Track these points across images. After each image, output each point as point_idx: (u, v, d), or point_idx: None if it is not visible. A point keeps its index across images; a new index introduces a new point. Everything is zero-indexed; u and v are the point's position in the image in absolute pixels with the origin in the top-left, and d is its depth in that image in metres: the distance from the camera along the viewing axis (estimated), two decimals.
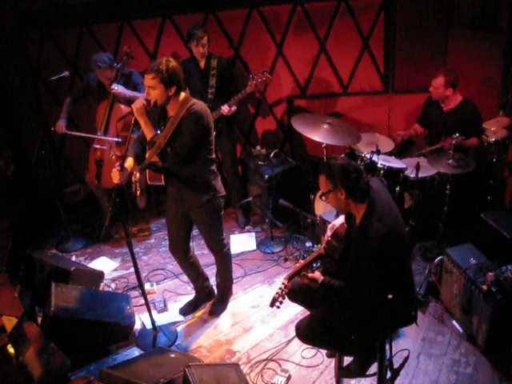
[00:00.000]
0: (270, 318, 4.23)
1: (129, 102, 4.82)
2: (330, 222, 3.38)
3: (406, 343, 3.74)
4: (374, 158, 4.45)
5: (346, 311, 2.98)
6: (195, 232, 4.12)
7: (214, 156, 3.66)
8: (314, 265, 3.18)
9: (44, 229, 5.55)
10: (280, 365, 3.73)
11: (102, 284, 4.62)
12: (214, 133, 3.65)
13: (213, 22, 5.53)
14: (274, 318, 4.22)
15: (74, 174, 6.19)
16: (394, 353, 3.00)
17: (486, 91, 5.08)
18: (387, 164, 4.47)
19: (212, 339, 4.06)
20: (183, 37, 5.41)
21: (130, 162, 3.54)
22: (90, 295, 4.01)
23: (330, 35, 5.64)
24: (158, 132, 3.45)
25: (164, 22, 5.54)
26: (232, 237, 5.31)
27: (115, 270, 4.98)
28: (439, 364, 3.62)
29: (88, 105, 5.33)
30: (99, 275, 4.59)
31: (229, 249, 4.17)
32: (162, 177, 3.63)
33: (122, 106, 4.94)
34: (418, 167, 4.36)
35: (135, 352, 3.93)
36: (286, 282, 3.06)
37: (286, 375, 3.58)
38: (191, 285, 4.46)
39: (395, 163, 4.57)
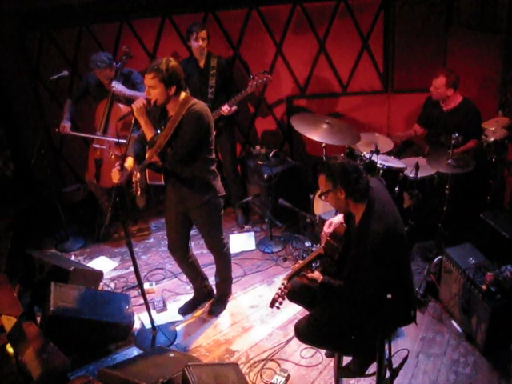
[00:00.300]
0: (270, 317, 4.23)
1: (128, 101, 4.83)
2: None
3: (405, 343, 3.74)
4: (374, 157, 4.45)
5: (345, 311, 2.98)
6: (194, 231, 4.12)
7: (214, 156, 3.66)
8: (314, 265, 3.17)
9: (43, 228, 5.54)
10: (279, 364, 3.73)
11: (101, 284, 4.62)
12: (214, 132, 3.65)
13: (212, 21, 5.52)
14: (274, 317, 4.22)
15: (74, 173, 6.18)
16: (393, 352, 2.99)
17: (485, 91, 5.08)
18: (386, 164, 4.48)
19: (211, 339, 4.06)
20: (183, 36, 5.40)
21: (129, 161, 3.55)
22: (90, 295, 4.01)
23: (329, 35, 5.63)
24: (158, 132, 3.45)
25: (163, 21, 5.53)
26: (231, 236, 5.31)
27: (114, 269, 4.98)
28: (438, 364, 3.62)
29: (88, 105, 5.32)
30: (98, 275, 4.59)
31: (228, 248, 4.17)
32: (162, 177, 3.63)
33: (122, 106, 4.94)
34: (417, 167, 4.37)
35: (134, 352, 3.92)
36: (285, 283, 3.06)
37: (285, 375, 3.58)
38: (190, 284, 4.47)
39: (394, 163, 4.58)
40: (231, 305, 4.41)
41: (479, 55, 5.01)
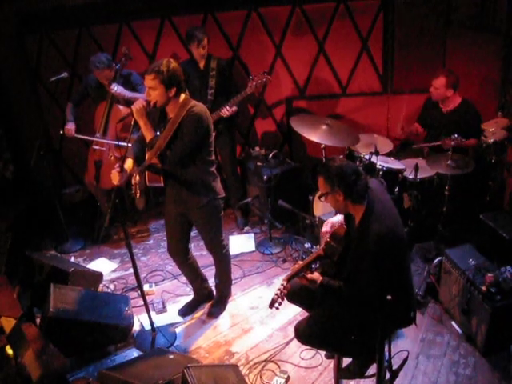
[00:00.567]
0: (269, 319, 4.23)
1: (128, 102, 4.82)
2: None
3: (405, 344, 3.74)
4: (373, 158, 4.45)
5: (345, 312, 2.98)
6: (194, 233, 4.12)
7: (213, 157, 3.66)
8: (313, 266, 3.17)
9: (43, 230, 5.54)
10: (279, 366, 3.73)
11: (100, 285, 4.62)
12: (214, 134, 3.65)
13: (212, 23, 5.53)
14: (273, 319, 4.22)
15: (73, 175, 6.19)
16: (393, 354, 2.99)
17: (484, 92, 5.08)
18: (386, 165, 4.48)
19: (211, 340, 4.06)
20: (182, 38, 5.41)
21: (129, 163, 3.54)
22: (89, 296, 4.01)
23: (328, 36, 5.64)
24: (158, 133, 3.45)
25: (163, 23, 5.54)
26: (231, 238, 5.31)
27: (114, 271, 4.98)
28: (438, 365, 3.62)
29: (87, 106, 5.32)
30: (98, 276, 4.59)
31: (228, 250, 4.17)
32: (162, 178, 3.63)
33: (121, 107, 4.94)
34: (416, 168, 4.37)
35: (134, 353, 3.92)
36: (284, 283, 3.06)
37: (285, 376, 3.58)
38: (190, 286, 4.46)
39: (394, 164, 4.58)
40: (231, 306, 4.40)
41: (479, 56, 5.01)
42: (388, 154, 4.80)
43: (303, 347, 3.73)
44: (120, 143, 3.74)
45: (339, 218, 3.22)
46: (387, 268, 2.74)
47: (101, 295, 4.29)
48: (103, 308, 3.92)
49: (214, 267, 4.27)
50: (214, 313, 4.30)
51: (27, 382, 3.16)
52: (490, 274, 3.58)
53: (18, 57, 5.45)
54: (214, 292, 4.41)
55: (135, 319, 4.11)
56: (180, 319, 4.28)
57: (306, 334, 3.10)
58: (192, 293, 4.43)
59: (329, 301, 3.08)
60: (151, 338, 3.95)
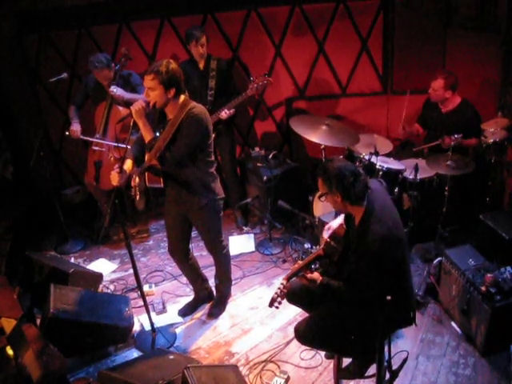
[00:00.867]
0: (269, 319, 4.23)
1: (127, 103, 4.82)
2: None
3: (405, 344, 3.74)
4: (373, 159, 4.45)
5: (344, 312, 2.98)
6: (194, 233, 4.12)
7: (213, 158, 3.67)
8: (313, 266, 3.17)
9: (43, 230, 5.55)
10: (279, 366, 3.73)
11: (100, 286, 4.62)
12: (213, 134, 3.65)
13: (211, 23, 5.53)
14: (273, 319, 4.22)
15: (73, 175, 6.19)
16: (392, 354, 3.00)
17: (484, 92, 5.09)
18: (386, 165, 4.48)
19: (211, 341, 4.06)
20: (182, 39, 5.40)
21: (128, 164, 3.54)
22: (89, 297, 4.01)
23: (328, 36, 5.64)
24: (157, 134, 3.45)
25: (162, 23, 5.54)
26: (231, 238, 5.32)
27: (114, 271, 4.98)
28: (438, 365, 3.62)
29: (87, 107, 5.32)
30: (98, 277, 4.59)
31: (228, 250, 4.17)
32: (161, 179, 3.63)
33: (121, 108, 4.94)
34: (416, 168, 4.37)
35: (134, 354, 3.93)
36: (284, 283, 3.07)
37: (285, 376, 3.58)
38: (190, 286, 4.47)
39: (394, 164, 4.58)
40: (231, 307, 4.40)
41: (479, 56, 5.02)
42: (388, 155, 4.80)
43: (303, 347, 3.73)
44: (119, 144, 3.75)
45: (339, 221, 3.21)
46: (387, 268, 2.74)
47: (101, 296, 4.29)
48: (103, 309, 3.92)
49: (214, 268, 4.27)
50: (214, 313, 4.31)
51: (27, 383, 3.16)
52: (489, 275, 3.58)
53: (18, 57, 5.44)
54: (214, 292, 4.41)
55: (135, 320, 4.11)
56: (180, 320, 4.28)
57: (305, 334, 3.11)
58: (192, 293, 4.44)
59: (329, 301, 3.08)
60: (151, 338, 3.95)
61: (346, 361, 3.39)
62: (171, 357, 3.62)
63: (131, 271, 3.87)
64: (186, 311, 4.34)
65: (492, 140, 4.33)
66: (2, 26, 5.23)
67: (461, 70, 4.87)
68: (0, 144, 5.55)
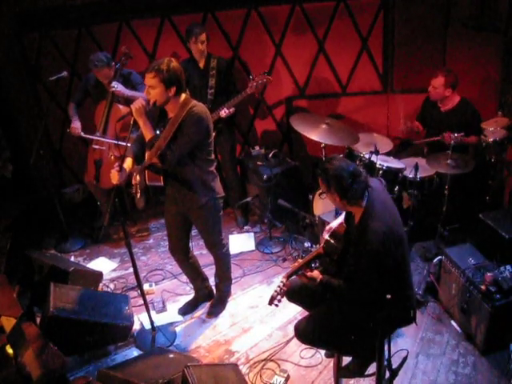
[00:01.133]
0: (269, 318, 4.23)
1: (128, 101, 4.81)
2: (328, 223, 3.39)
3: (405, 343, 3.74)
4: (373, 158, 4.45)
5: (344, 311, 2.98)
6: (194, 232, 4.12)
7: (213, 157, 3.67)
8: (313, 264, 3.17)
9: (43, 229, 5.54)
10: (279, 365, 3.73)
11: (100, 284, 4.62)
12: (214, 133, 3.65)
13: (211, 22, 5.52)
14: (273, 318, 4.22)
15: (73, 174, 6.18)
16: (392, 353, 2.99)
17: (484, 91, 5.09)
18: (386, 164, 4.48)
19: (211, 339, 4.06)
20: (182, 37, 5.40)
21: (128, 162, 3.53)
22: (89, 296, 4.01)
23: (328, 35, 5.64)
24: (157, 132, 3.45)
25: (163, 22, 5.53)
26: (231, 237, 5.31)
27: (114, 270, 4.98)
28: (438, 364, 3.62)
29: (87, 105, 5.32)
30: (98, 276, 4.59)
31: (228, 249, 4.17)
32: (161, 178, 3.63)
33: (121, 107, 4.94)
34: (416, 167, 4.38)
35: (134, 352, 3.93)
36: (284, 281, 3.07)
37: (285, 375, 3.58)
38: (190, 285, 4.47)
39: (394, 163, 4.58)
40: (231, 305, 4.40)
41: (479, 55, 5.02)
42: (388, 154, 4.80)
43: (303, 346, 3.73)
44: (120, 142, 3.74)
45: (339, 221, 3.21)
46: (387, 267, 2.74)
47: (101, 294, 4.29)
48: (103, 307, 3.92)
49: (214, 266, 4.27)
50: (214, 312, 4.31)
51: (27, 382, 3.16)
52: (489, 274, 3.58)
53: (18, 56, 5.44)
54: (214, 291, 4.41)
55: (135, 318, 4.11)
56: (180, 318, 4.29)
57: (305, 333, 3.11)
58: (192, 292, 4.44)
59: (328, 300, 3.08)
60: (151, 337, 3.95)
61: (346, 359, 3.40)
62: (171, 356, 3.62)
63: (131, 270, 3.87)
64: (186, 310, 4.34)
65: (492, 139, 4.32)
66: (1, 25, 5.22)
67: (461, 69, 4.87)
68: (0, 142, 5.55)
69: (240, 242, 5.26)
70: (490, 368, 3.55)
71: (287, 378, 3.58)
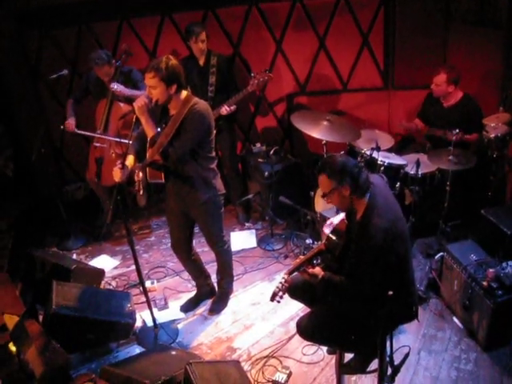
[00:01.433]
0: (271, 314, 4.23)
1: (128, 99, 4.82)
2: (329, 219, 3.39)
3: (407, 339, 3.74)
4: (374, 154, 4.44)
5: (346, 308, 2.98)
6: (196, 229, 4.12)
7: (214, 154, 3.67)
8: (315, 261, 3.17)
9: (44, 227, 5.55)
10: (281, 362, 3.73)
11: (102, 282, 4.62)
12: (215, 131, 3.65)
13: (212, 19, 5.52)
14: (275, 314, 4.22)
15: (75, 172, 6.19)
16: (394, 349, 3.00)
17: (486, 87, 5.08)
18: (387, 160, 4.47)
19: (213, 336, 4.07)
20: (182, 35, 5.39)
21: (130, 159, 3.53)
22: (91, 293, 4.01)
23: (329, 32, 5.63)
24: (159, 130, 3.45)
25: (163, 19, 5.53)
26: (232, 234, 5.31)
27: (116, 267, 4.98)
28: (440, 360, 3.62)
29: (88, 103, 5.32)
30: (100, 273, 4.59)
31: (229, 246, 4.17)
32: (162, 175, 3.64)
33: (122, 105, 4.94)
34: (418, 164, 4.37)
35: (136, 349, 3.93)
36: (286, 277, 3.07)
37: (287, 372, 3.58)
38: (192, 282, 4.47)
39: (395, 160, 4.57)
40: (232, 302, 4.41)
41: (480, 51, 5.01)
42: (389, 150, 4.80)
43: (305, 343, 3.72)
44: (121, 140, 3.75)
45: (341, 216, 3.21)
46: (389, 263, 2.74)
47: (103, 292, 4.29)
48: (105, 305, 3.93)
49: (215, 263, 4.27)
50: (216, 309, 4.31)
51: (30, 379, 3.17)
52: (491, 270, 3.58)
53: (18, 54, 5.44)
54: (216, 288, 4.41)
55: (137, 316, 4.11)
56: (182, 316, 4.29)
57: (307, 329, 3.11)
58: (194, 289, 4.44)
59: (330, 296, 3.08)
60: (153, 334, 3.96)
61: (348, 356, 3.40)
62: (173, 353, 3.63)
63: (133, 267, 3.88)
64: (188, 307, 4.35)
65: (494, 135, 4.32)
66: (2, 23, 5.22)
67: (462, 65, 4.86)
68: (1, 141, 5.56)
69: (241, 239, 5.26)
70: (492, 364, 3.54)
71: (289, 375, 3.59)
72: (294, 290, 3.26)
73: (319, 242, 4.56)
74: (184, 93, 3.43)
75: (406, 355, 3.10)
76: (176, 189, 3.71)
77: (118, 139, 4.84)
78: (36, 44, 5.49)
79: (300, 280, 3.21)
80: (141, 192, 3.67)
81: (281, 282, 3.06)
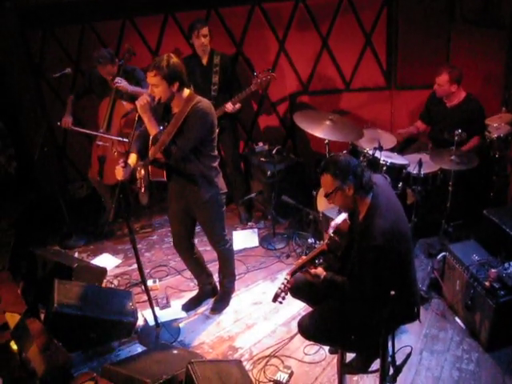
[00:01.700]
0: (273, 314, 4.23)
1: (131, 98, 4.83)
2: (332, 219, 3.39)
3: (409, 339, 3.73)
4: (377, 154, 4.44)
5: (348, 307, 2.98)
6: (198, 228, 4.12)
7: (216, 153, 3.67)
8: (317, 261, 3.17)
9: (46, 225, 5.55)
10: (282, 361, 3.73)
11: (104, 280, 4.63)
12: (217, 129, 3.65)
13: (215, 18, 5.52)
14: (277, 314, 4.22)
15: (77, 170, 6.20)
16: (396, 349, 2.99)
17: (488, 87, 5.07)
18: (390, 160, 4.46)
19: (214, 336, 4.07)
20: (185, 34, 5.38)
21: (133, 158, 3.54)
22: (93, 292, 4.02)
23: (332, 31, 5.62)
24: (161, 128, 3.45)
25: (166, 18, 5.54)
26: (234, 233, 5.31)
27: (118, 266, 4.99)
28: (442, 360, 3.62)
29: (91, 102, 5.33)
30: (102, 272, 4.59)
31: (231, 245, 4.17)
32: (164, 173, 3.64)
33: (125, 103, 4.95)
34: (420, 163, 4.36)
35: (138, 348, 3.94)
36: (288, 278, 3.07)
37: (289, 371, 3.58)
38: (194, 281, 4.47)
39: (398, 159, 4.56)
40: (234, 302, 4.41)
41: (483, 51, 5.00)
42: (392, 150, 4.79)
43: (307, 342, 3.72)
44: (123, 139, 3.75)
45: (343, 217, 3.21)
46: (391, 263, 2.74)
47: (105, 291, 4.29)
48: (107, 303, 3.93)
49: (217, 263, 4.27)
50: (218, 308, 4.31)
51: (32, 377, 3.18)
52: (493, 270, 3.57)
53: (21, 53, 5.45)
54: (218, 287, 4.41)
55: (139, 314, 4.11)
56: (184, 314, 4.29)
57: (309, 329, 3.11)
58: (196, 288, 4.44)
59: (332, 296, 3.08)
60: (155, 333, 3.97)
61: (350, 356, 3.39)
62: (175, 352, 3.63)
63: (135, 266, 3.88)
64: (190, 306, 4.35)
65: (496, 135, 4.32)
66: (5, 21, 5.23)
67: (465, 65, 4.86)
68: (4, 139, 5.56)
69: (243, 239, 5.26)
70: (494, 364, 3.54)
71: (291, 375, 3.58)
72: (297, 289, 3.25)
73: (321, 242, 4.57)
74: (186, 91, 3.43)
75: (408, 355, 3.09)
76: (178, 187, 3.71)
77: (120, 138, 4.85)
78: (39, 42, 5.49)
79: (302, 280, 3.20)
80: (143, 190, 3.67)
81: (283, 283, 3.06)
